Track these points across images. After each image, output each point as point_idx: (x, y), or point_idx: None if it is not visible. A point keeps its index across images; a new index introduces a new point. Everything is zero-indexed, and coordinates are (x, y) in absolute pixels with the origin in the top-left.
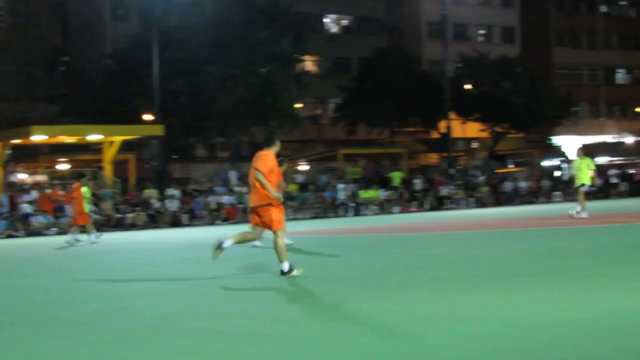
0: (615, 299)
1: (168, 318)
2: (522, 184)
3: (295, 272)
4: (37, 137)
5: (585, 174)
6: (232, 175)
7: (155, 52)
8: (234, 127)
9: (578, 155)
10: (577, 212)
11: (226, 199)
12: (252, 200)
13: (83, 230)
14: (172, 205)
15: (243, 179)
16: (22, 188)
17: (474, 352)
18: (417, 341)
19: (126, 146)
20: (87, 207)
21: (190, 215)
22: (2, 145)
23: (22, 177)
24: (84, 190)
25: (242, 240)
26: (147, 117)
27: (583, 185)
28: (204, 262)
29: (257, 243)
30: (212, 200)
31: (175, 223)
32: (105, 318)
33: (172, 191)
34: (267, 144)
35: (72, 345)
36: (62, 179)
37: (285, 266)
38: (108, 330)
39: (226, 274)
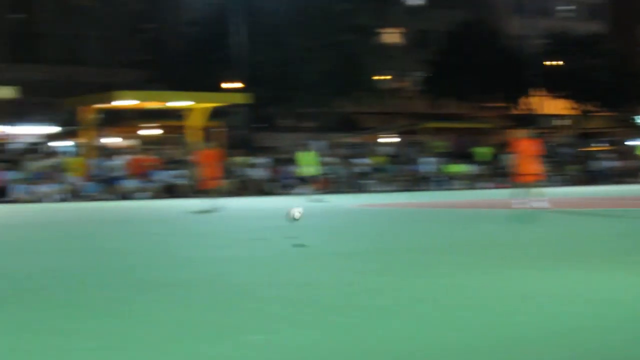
0: None
1: (257, 285)
2: (612, 164)
3: None
4: (120, 102)
5: None
6: (322, 145)
7: (239, 20)
8: (319, 98)
9: None
10: None
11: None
12: None
13: (210, 194)
14: (259, 173)
15: (332, 150)
16: (112, 152)
17: (558, 330)
18: (506, 317)
19: (212, 114)
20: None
21: (278, 184)
22: (88, 109)
23: (112, 141)
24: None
25: None
26: (228, 85)
27: None
28: (292, 231)
29: None
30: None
31: (262, 191)
32: (195, 283)
33: (259, 160)
34: None
35: (163, 309)
36: (152, 144)
37: None
38: (199, 295)
39: (315, 242)
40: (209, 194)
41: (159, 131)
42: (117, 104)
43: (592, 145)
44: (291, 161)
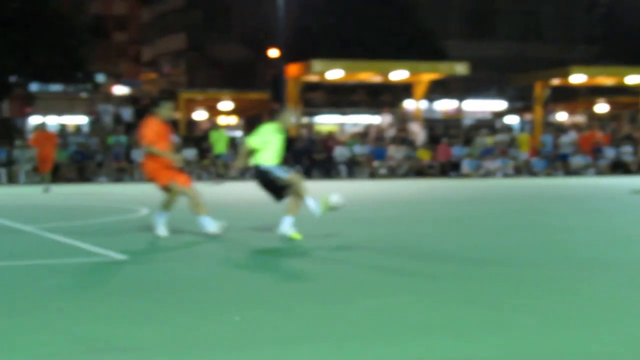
0: None
1: None
2: None
3: None
4: (575, 78)
5: None
6: None
7: None
8: None
9: None
10: None
11: None
12: None
13: None
14: None
15: None
16: (561, 128)
17: None
18: None
19: None
20: None
21: None
22: (541, 85)
23: (561, 117)
24: None
25: None
26: None
27: None
28: None
29: None
30: None
31: None
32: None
33: None
34: None
35: (605, 288)
36: (601, 120)
37: None
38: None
39: None
40: None
41: (608, 107)
42: (571, 79)
43: None
44: None
